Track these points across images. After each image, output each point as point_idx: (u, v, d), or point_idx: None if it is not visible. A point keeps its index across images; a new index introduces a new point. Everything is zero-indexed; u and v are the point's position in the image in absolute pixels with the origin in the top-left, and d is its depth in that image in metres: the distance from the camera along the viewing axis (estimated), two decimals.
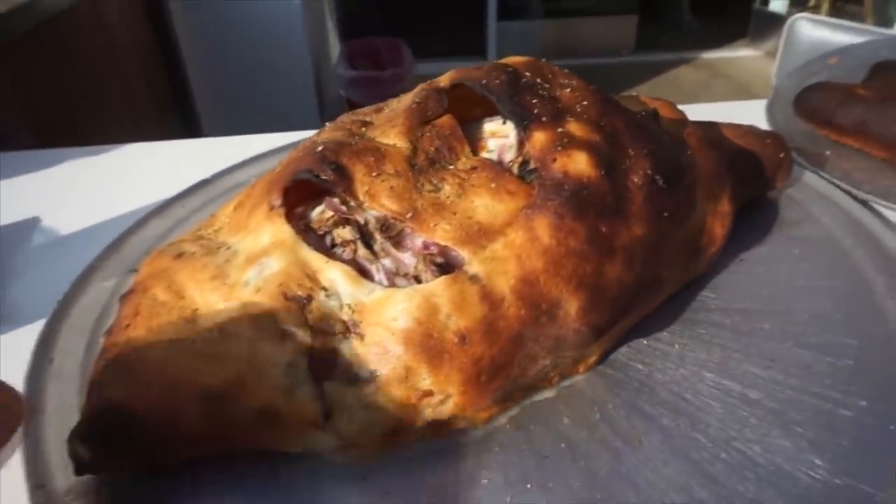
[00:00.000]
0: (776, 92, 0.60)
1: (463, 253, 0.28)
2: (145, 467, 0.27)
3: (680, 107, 0.46)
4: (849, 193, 0.45)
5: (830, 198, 0.45)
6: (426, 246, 0.29)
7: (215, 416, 0.26)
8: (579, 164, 0.30)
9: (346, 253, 0.30)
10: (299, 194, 0.32)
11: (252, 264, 0.29)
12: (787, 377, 0.31)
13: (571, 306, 0.29)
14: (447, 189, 0.30)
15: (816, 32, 1.19)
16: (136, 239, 0.42)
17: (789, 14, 2.66)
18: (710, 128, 0.42)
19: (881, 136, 0.48)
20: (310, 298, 0.28)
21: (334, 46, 2.31)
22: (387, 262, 0.30)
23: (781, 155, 0.43)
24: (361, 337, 0.27)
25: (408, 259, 0.29)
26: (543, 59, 0.38)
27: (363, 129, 0.35)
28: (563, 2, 3.10)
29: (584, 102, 0.34)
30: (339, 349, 0.27)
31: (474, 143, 0.34)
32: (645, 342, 0.34)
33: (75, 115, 1.33)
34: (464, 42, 2.79)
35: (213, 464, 0.28)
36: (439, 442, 0.29)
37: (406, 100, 0.36)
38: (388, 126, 0.33)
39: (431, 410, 0.27)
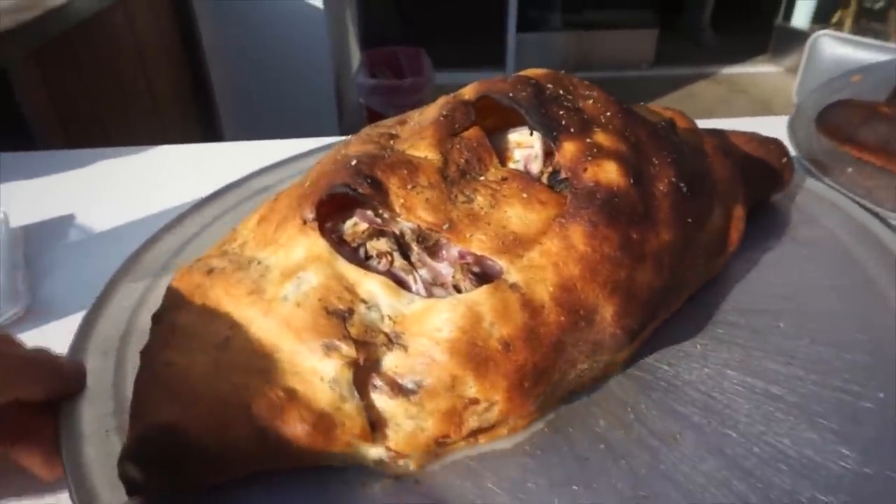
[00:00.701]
0: (798, 109, 0.61)
1: (500, 262, 0.29)
2: (195, 486, 0.27)
3: (700, 121, 0.47)
4: (868, 209, 0.45)
5: (833, 202, 0.47)
6: (462, 256, 0.30)
7: (265, 433, 0.26)
8: (609, 173, 0.31)
9: (382, 265, 0.30)
10: (329, 207, 0.32)
11: (289, 279, 0.29)
12: (806, 372, 0.32)
13: (607, 311, 0.30)
14: (480, 200, 0.31)
15: (839, 50, 1.19)
16: (167, 241, 0.43)
17: (811, 30, 2.65)
18: (720, 136, 0.44)
19: None
20: (350, 312, 0.28)
21: (355, 55, 2.34)
22: (424, 272, 0.30)
23: (784, 160, 0.45)
24: (405, 348, 0.27)
25: (444, 269, 0.30)
26: (563, 72, 0.39)
27: (391, 141, 0.35)
28: (583, 14, 3.11)
29: (608, 113, 0.35)
30: (383, 361, 0.27)
31: (500, 153, 0.35)
32: (669, 344, 0.34)
33: (102, 117, 1.36)
34: (483, 53, 2.81)
35: (259, 478, 0.28)
36: (481, 448, 0.29)
37: (431, 112, 0.37)
38: (417, 139, 0.34)
39: (477, 418, 0.28)
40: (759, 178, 0.44)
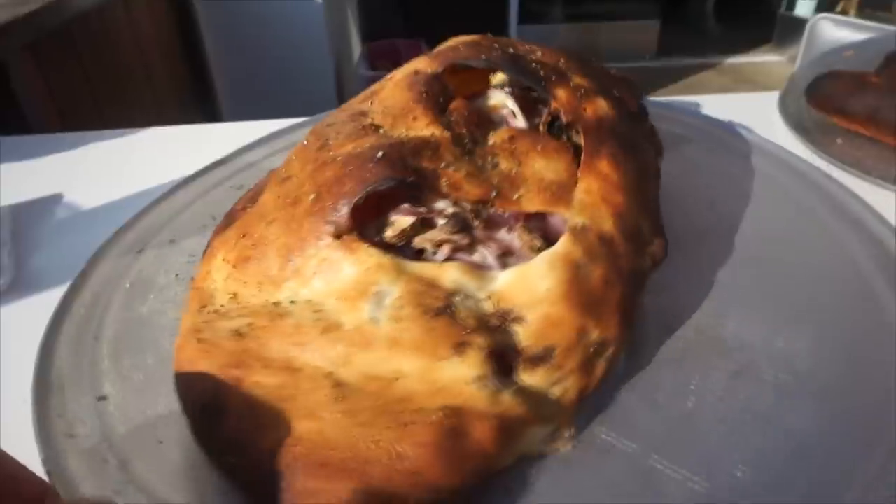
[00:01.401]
0: (790, 82, 0.60)
1: (558, 212, 0.29)
2: None
3: (693, 97, 0.46)
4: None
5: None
6: (519, 218, 0.30)
7: (458, 463, 0.23)
8: (603, 108, 0.33)
9: (440, 254, 0.28)
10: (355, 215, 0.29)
11: (360, 300, 0.26)
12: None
13: (646, 228, 0.31)
14: (504, 163, 0.31)
15: (838, 33, 1.18)
16: (150, 218, 0.43)
17: None
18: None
19: (893, 123, 0.48)
20: (450, 307, 0.26)
21: (356, 47, 2.34)
22: (489, 247, 0.29)
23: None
24: (522, 320, 0.27)
25: (507, 237, 0.29)
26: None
27: (379, 130, 0.33)
28: (585, 6, 3.09)
29: (562, 60, 0.36)
30: (507, 342, 0.26)
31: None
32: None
33: (101, 109, 1.36)
34: None
35: None
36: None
37: (399, 91, 0.35)
38: (409, 120, 0.33)
39: (603, 362, 0.27)
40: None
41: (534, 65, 0.34)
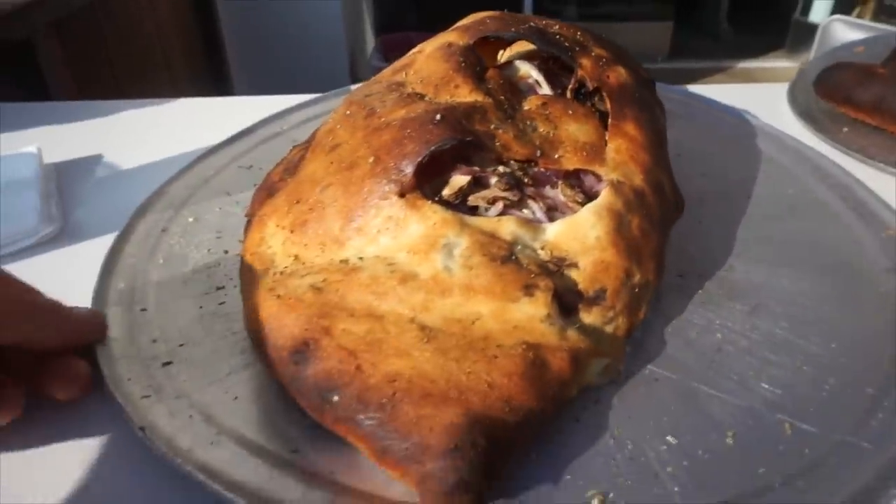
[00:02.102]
0: (800, 74, 0.62)
1: (594, 169, 0.32)
2: (501, 476, 0.25)
3: (694, 86, 0.49)
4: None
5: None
6: (559, 176, 0.33)
7: (543, 389, 0.26)
8: (623, 75, 0.37)
9: (493, 210, 0.31)
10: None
11: (431, 252, 0.29)
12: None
13: (666, 184, 0.35)
14: (542, 126, 0.34)
15: (851, 34, 1.19)
16: (186, 178, 0.46)
17: None
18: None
19: None
20: (512, 255, 0.29)
21: (370, 40, 2.37)
22: (538, 202, 0.32)
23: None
24: (576, 265, 0.29)
25: (551, 192, 0.32)
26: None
27: (425, 97, 0.35)
28: (599, 7, 3.10)
29: (578, 34, 0.39)
30: (566, 285, 0.29)
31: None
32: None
33: (121, 84, 1.39)
34: None
35: None
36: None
37: (435, 63, 0.37)
38: (451, 87, 0.35)
39: (645, 304, 0.31)
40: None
41: (557, 37, 0.37)
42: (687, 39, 3.17)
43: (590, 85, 0.36)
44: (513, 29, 0.36)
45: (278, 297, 0.29)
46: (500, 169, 0.32)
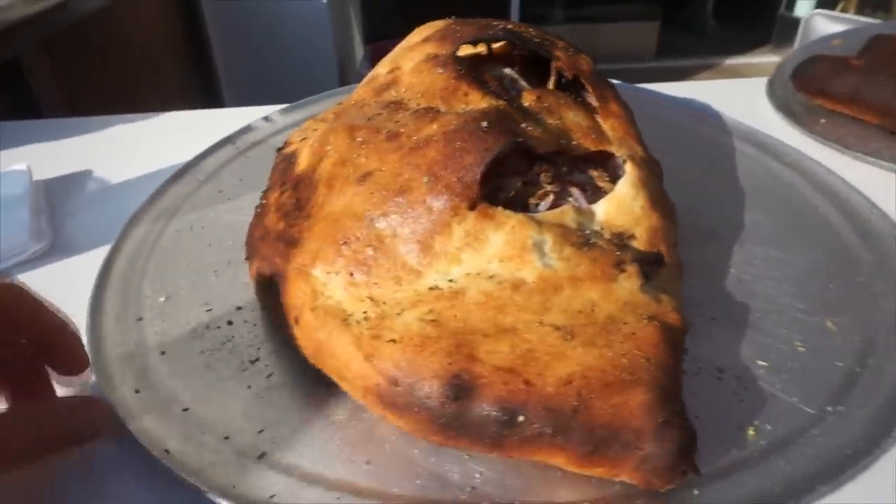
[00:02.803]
0: (778, 68, 0.63)
1: (606, 149, 0.35)
2: None
3: (679, 83, 0.50)
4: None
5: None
6: (577, 161, 0.34)
7: (675, 346, 0.27)
8: (588, 61, 0.39)
9: (545, 204, 0.32)
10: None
11: (526, 254, 0.29)
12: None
13: (649, 151, 0.38)
14: (549, 119, 0.35)
15: (832, 27, 1.21)
16: (178, 187, 0.47)
17: None
18: None
19: (873, 102, 0.51)
20: (588, 239, 0.30)
21: (359, 49, 2.38)
22: (575, 189, 0.33)
23: None
24: (633, 237, 0.31)
25: (581, 177, 0.34)
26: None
27: (440, 110, 0.35)
28: (586, 8, 3.12)
29: (531, 30, 0.41)
30: (634, 256, 0.30)
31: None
32: None
33: (109, 101, 1.40)
34: None
35: None
36: None
37: (430, 75, 0.37)
38: (460, 96, 0.35)
39: (677, 259, 0.33)
40: None
41: (524, 35, 0.39)
42: (674, 38, 3.20)
43: (568, 74, 0.38)
44: (490, 32, 0.37)
45: (393, 341, 0.27)
46: (544, 165, 0.33)
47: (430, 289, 0.29)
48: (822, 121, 0.54)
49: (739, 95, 0.61)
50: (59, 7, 1.21)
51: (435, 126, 0.32)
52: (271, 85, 2.00)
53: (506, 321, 0.27)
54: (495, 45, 0.42)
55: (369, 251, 0.30)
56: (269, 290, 0.33)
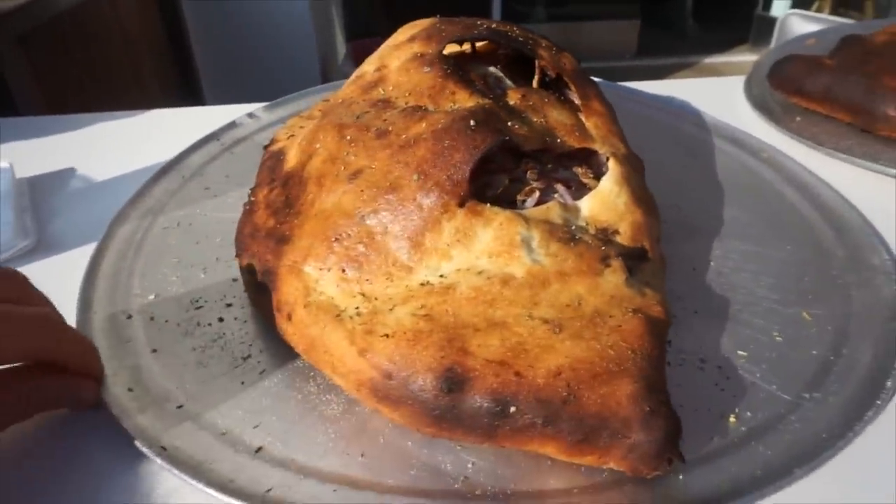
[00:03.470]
0: (755, 67, 0.65)
1: (589, 146, 0.35)
2: None
3: (663, 81, 0.51)
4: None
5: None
6: (561, 158, 0.35)
7: (660, 336, 0.28)
8: (571, 59, 0.40)
9: (529, 202, 0.33)
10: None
11: (514, 250, 0.29)
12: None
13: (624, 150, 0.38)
14: (534, 117, 0.36)
15: (807, 27, 1.23)
16: (162, 184, 0.47)
17: None
18: None
19: (845, 101, 0.52)
20: (574, 235, 0.30)
21: (341, 47, 2.37)
22: (559, 185, 0.34)
23: None
24: (617, 232, 0.32)
25: (564, 174, 0.35)
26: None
27: (427, 108, 0.35)
28: (567, 7, 3.15)
29: (515, 29, 0.42)
30: (618, 251, 0.31)
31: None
32: None
33: (88, 97, 1.38)
34: None
35: None
36: None
37: (416, 74, 0.37)
38: (447, 94, 0.35)
39: (659, 253, 0.34)
40: None
41: (509, 33, 0.40)
42: (654, 37, 3.23)
43: (551, 73, 0.38)
44: (475, 31, 0.38)
45: (386, 336, 0.27)
46: (529, 162, 0.34)
47: (422, 284, 0.29)
48: (798, 118, 0.55)
49: (718, 93, 0.62)
50: (35, 3, 1.19)
51: (423, 125, 0.33)
52: (252, 83, 1.98)
53: (496, 315, 0.27)
54: (479, 45, 0.43)
55: (360, 248, 0.30)
56: (260, 287, 0.33)
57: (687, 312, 0.35)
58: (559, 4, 3.14)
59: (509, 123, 0.34)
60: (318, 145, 0.36)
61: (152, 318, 0.35)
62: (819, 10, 2.94)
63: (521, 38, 0.40)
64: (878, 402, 0.30)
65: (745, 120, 0.56)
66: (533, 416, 0.25)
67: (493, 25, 0.41)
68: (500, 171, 0.33)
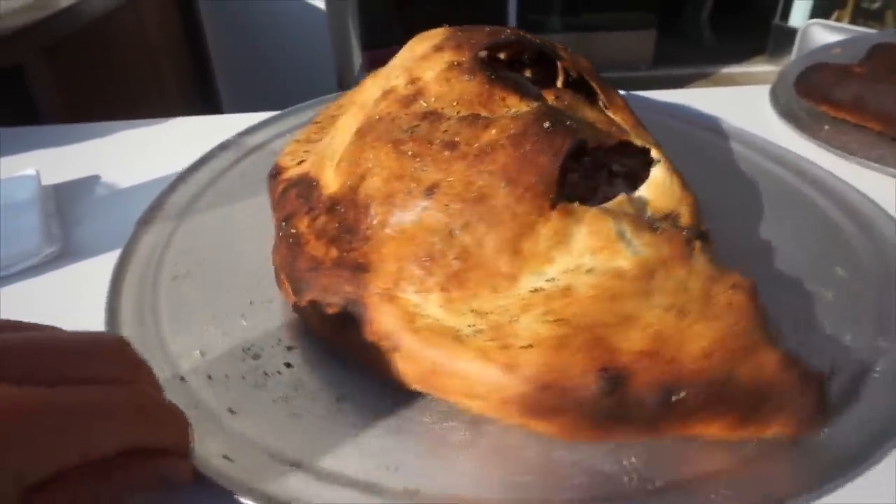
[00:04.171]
0: (781, 75, 0.64)
1: (632, 140, 0.37)
2: None
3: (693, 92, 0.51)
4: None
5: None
6: (615, 150, 0.37)
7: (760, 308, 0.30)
8: (587, 62, 0.42)
9: (596, 198, 0.34)
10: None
11: (614, 244, 0.30)
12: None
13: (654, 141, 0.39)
14: (576, 116, 0.37)
15: (829, 37, 1.22)
16: (184, 187, 0.47)
17: None
18: None
19: (876, 110, 0.51)
20: (653, 224, 0.31)
21: (357, 56, 2.39)
22: (615, 179, 0.36)
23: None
24: (679, 216, 0.33)
25: (619, 167, 0.36)
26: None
27: (483, 116, 0.35)
28: (582, 17, 3.15)
29: (528, 35, 0.43)
30: (693, 233, 0.32)
31: None
32: None
33: (111, 108, 1.40)
34: None
35: None
36: None
37: (459, 83, 0.36)
38: (499, 101, 0.35)
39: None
40: None
41: (529, 37, 0.41)
42: (670, 47, 3.23)
43: (573, 73, 0.39)
44: (502, 37, 0.38)
45: (529, 347, 0.27)
46: (589, 158, 0.35)
47: (533, 291, 0.29)
48: (826, 127, 0.54)
49: (743, 103, 0.62)
50: (61, 15, 1.22)
51: (493, 131, 0.32)
52: (270, 91, 2.00)
53: (624, 309, 0.27)
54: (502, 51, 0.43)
55: (458, 263, 0.29)
56: (340, 322, 0.31)
57: None
58: (574, 14, 3.14)
59: (569, 125, 0.33)
60: (369, 165, 0.34)
61: (210, 377, 0.31)
62: (838, 20, 2.92)
63: (539, 42, 0.40)
64: None
65: (772, 129, 0.55)
66: (699, 399, 0.25)
67: (509, 31, 0.41)
68: (568, 171, 0.33)
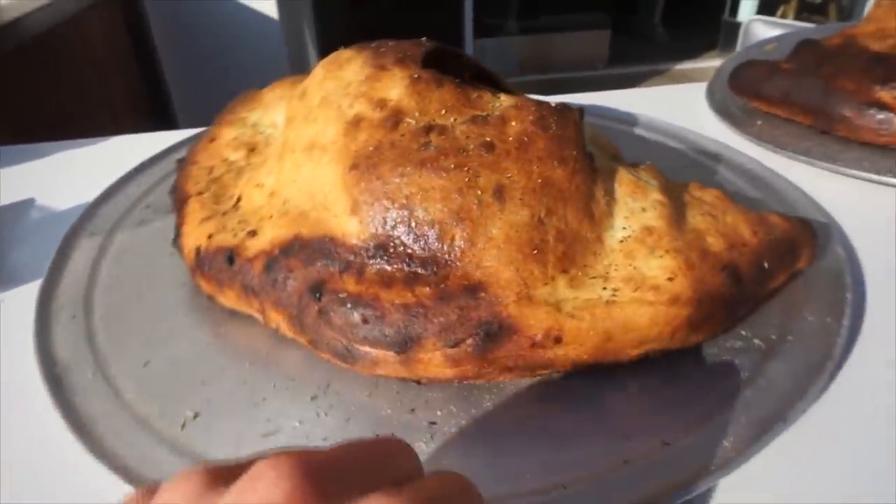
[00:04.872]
0: (716, 74, 0.66)
1: None
2: None
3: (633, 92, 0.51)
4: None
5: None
6: None
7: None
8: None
9: None
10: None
11: (646, 189, 0.34)
12: None
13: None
14: None
15: (769, 32, 1.26)
16: (113, 201, 0.48)
17: None
18: None
19: (803, 104, 0.53)
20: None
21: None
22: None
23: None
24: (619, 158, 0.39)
25: None
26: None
27: (484, 114, 0.35)
28: (539, 19, 3.19)
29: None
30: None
31: None
32: None
33: (57, 125, 1.36)
34: None
35: None
36: None
37: (431, 93, 0.35)
38: (489, 100, 0.35)
39: None
40: None
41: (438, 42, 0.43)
42: (625, 46, 3.28)
43: (483, 69, 0.42)
44: (430, 46, 0.39)
45: (671, 279, 0.31)
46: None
47: (620, 241, 0.32)
48: (759, 122, 0.56)
49: (681, 100, 0.63)
50: (2, 30, 1.18)
51: (514, 123, 0.33)
52: (223, 99, 1.97)
53: (689, 225, 0.34)
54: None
55: (561, 246, 0.32)
56: (478, 351, 0.30)
57: None
58: (531, 17, 3.17)
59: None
60: (404, 193, 0.32)
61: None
62: (784, 16, 3.01)
63: (450, 47, 0.42)
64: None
65: (708, 124, 0.57)
66: (773, 263, 0.34)
67: (424, 40, 0.43)
68: None
